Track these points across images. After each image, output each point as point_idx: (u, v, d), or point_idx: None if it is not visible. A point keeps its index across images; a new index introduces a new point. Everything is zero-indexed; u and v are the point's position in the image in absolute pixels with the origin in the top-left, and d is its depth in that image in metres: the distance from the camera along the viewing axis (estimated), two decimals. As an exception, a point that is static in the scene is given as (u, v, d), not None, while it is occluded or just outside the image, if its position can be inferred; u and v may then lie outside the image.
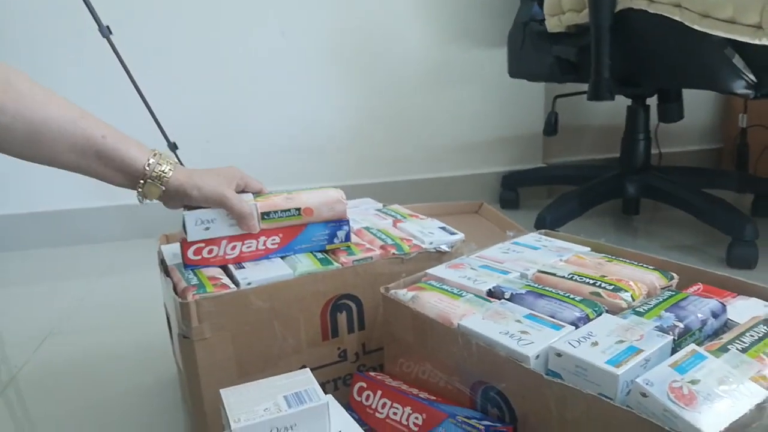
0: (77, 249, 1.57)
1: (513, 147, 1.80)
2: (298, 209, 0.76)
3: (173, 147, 1.46)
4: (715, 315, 0.58)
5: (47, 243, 1.58)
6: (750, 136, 1.75)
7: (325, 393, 0.53)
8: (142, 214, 1.54)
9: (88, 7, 1.32)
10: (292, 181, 1.68)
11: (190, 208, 0.73)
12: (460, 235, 0.84)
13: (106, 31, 1.33)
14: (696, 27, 1.04)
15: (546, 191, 1.82)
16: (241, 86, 1.62)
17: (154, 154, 0.70)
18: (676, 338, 0.54)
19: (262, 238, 0.76)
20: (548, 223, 1.36)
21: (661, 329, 0.55)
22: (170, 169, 0.70)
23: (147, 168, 0.68)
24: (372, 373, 0.71)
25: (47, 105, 0.64)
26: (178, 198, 0.71)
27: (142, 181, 0.69)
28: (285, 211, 0.76)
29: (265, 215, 0.75)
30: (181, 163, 1.47)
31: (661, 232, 1.51)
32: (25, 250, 1.56)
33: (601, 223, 1.58)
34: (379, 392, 0.66)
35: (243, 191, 0.77)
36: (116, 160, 0.67)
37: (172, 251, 0.81)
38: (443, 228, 0.87)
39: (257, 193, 0.77)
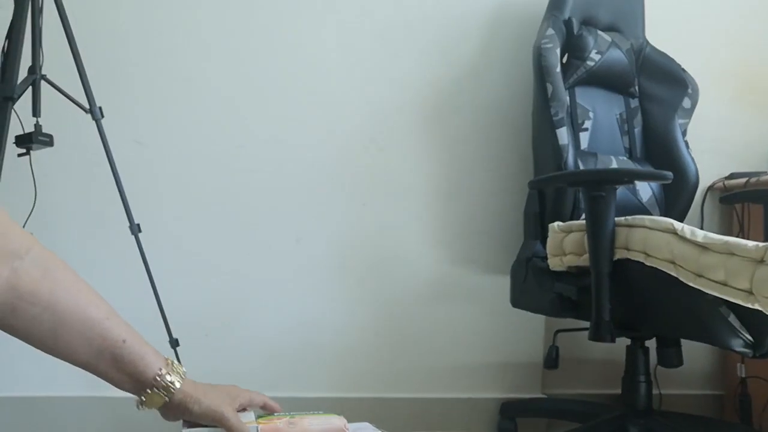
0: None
1: (512, 374, 1.79)
2: None
3: (175, 344, 1.46)
4: None
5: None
6: (750, 386, 1.74)
7: None
8: (128, 410, 1.49)
9: (125, 205, 1.42)
10: (286, 386, 1.65)
11: (188, 423, 0.72)
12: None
13: (135, 229, 1.42)
14: (691, 284, 1.10)
15: (546, 424, 1.76)
16: (248, 283, 1.67)
17: (167, 364, 0.70)
18: None
19: None
20: (550, 464, 1.30)
21: None
22: (179, 381, 0.69)
23: (157, 378, 0.68)
24: None
25: (78, 300, 0.65)
26: (178, 411, 0.70)
27: (149, 390, 0.68)
28: None
29: None
30: (178, 359, 1.46)
31: (668, 484, 1.42)
32: (-5, 437, 1.48)
33: (604, 467, 1.50)
34: None
35: (245, 409, 0.75)
36: (130, 366, 0.67)
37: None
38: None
39: (262, 411, 0.76)
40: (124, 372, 0.68)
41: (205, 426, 0.71)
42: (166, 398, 0.69)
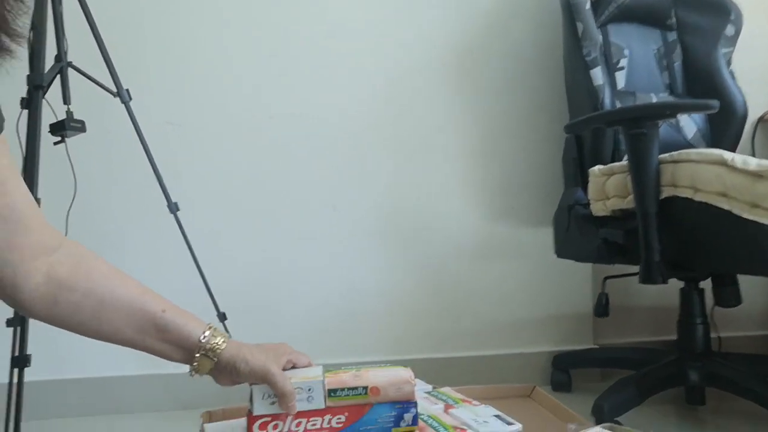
0: (113, 419, 1.53)
1: (562, 326, 1.76)
2: (366, 388, 0.75)
3: (222, 317, 1.48)
4: None
5: (82, 411, 1.55)
6: (815, 322, 1.67)
7: None
8: (182, 384, 1.53)
9: (161, 185, 1.43)
10: (336, 352, 1.66)
11: None
12: (517, 427, 0.79)
13: (174, 208, 1.43)
14: (746, 216, 1.05)
15: (600, 374, 1.73)
16: (288, 254, 1.67)
17: (210, 328, 0.72)
18: None
19: (328, 416, 0.74)
20: (606, 411, 1.27)
21: None
22: (223, 342, 0.71)
23: (202, 340, 0.70)
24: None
25: (113, 281, 0.68)
26: (227, 372, 0.71)
27: (197, 355, 0.70)
28: (352, 389, 0.74)
29: (332, 392, 0.74)
30: (228, 332, 1.49)
31: (732, 426, 1.38)
32: (60, 418, 1.54)
33: (664, 412, 1.47)
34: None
35: (293, 367, 0.77)
36: (174, 334, 0.69)
37: (216, 430, 0.78)
38: (498, 416, 0.83)
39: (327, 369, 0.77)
40: (170, 341, 0.70)
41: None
42: (215, 359, 0.70)
